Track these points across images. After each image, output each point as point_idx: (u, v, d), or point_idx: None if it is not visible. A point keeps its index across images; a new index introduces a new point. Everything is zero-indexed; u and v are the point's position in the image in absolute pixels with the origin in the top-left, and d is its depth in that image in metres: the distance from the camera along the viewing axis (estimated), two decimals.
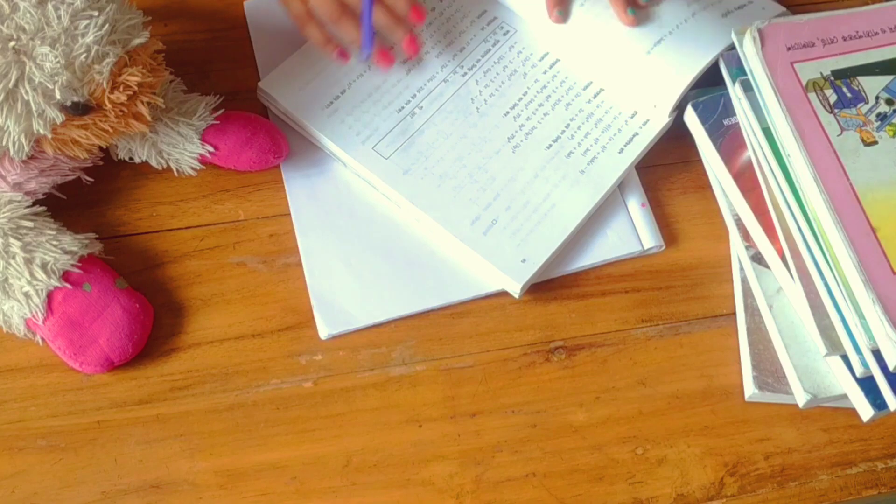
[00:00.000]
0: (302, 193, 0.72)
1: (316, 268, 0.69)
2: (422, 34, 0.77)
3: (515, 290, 0.68)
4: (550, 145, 0.74)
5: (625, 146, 0.74)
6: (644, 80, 0.74)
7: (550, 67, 0.77)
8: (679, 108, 0.74)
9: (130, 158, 0.71)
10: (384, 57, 0.75)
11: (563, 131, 0.74)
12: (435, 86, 0.76)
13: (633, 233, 0.72)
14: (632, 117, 0.75)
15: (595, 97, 0.76)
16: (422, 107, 0.75)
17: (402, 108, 0.74)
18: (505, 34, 0.79)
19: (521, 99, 0.76)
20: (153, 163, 0.70)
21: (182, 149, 0.70)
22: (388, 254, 0.70)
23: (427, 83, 0.76)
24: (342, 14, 0.74)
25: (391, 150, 0.72)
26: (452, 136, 0.74)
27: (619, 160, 0.73)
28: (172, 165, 0.71)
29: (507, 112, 0.75)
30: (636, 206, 0.73)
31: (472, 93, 0.76)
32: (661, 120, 0.74)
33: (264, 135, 0.71)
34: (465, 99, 0.76)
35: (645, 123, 0.74)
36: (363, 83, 0.75)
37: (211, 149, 0.70)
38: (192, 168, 0.71)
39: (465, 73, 0.77)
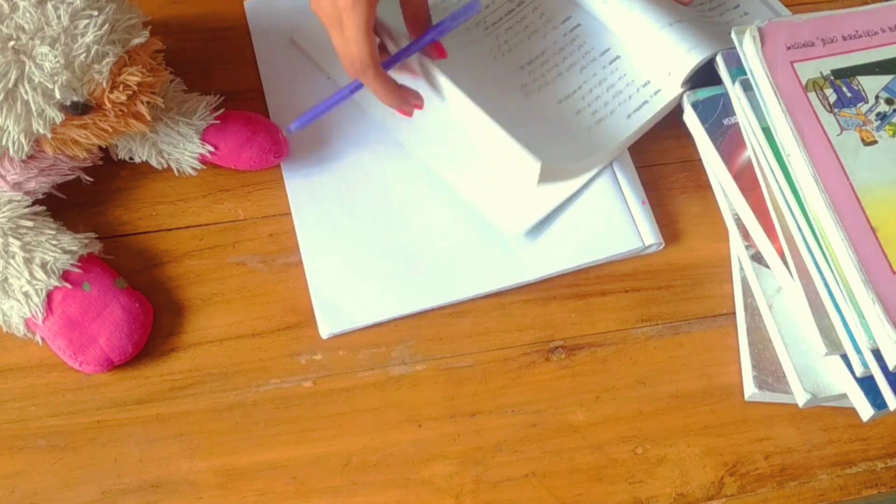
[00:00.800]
0: (302, 193, 0.72)
1: (316, 267, 0.69)
2: None
3: (527, 218, 0.70)
4: (561, 101, 0.76)
5: (633, 112, 0.75)
6: (662, 48, 0.75)
7: (570, 31, 0.79)
8: (690, 82, 0.74)
9: (131, 158, 0.71)
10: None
11: (575, 91, 0.76)
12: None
13: (633, 230, 0.72)
14: (644, 86, 0.76)
15: (611, 63, 0.77)
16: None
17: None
18: None
19: (538, 57, 0.78)
20: (153, 162, 0.70)
21: (182, 148, 0.70)
22: (388, 253, 0.70)
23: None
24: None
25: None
26: (466, 77, 0.72)
27: (626, 125, 0.74)
28: (173, 165, 0.71)
29: (524, 66, 0.77)
30: (636, 203, 0.73)
31: (491, 46, 0.78)
32: (672, 90, 0.75)
33: (264, 134, 0.71)
34: (485, 49, 0.78)
35: (656, 93, 0.75)
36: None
37: (211, 148, 0.70)
38: (193, 168, 0.71)
39: (487, 28, 0.79)
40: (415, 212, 0.72)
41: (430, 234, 0.71)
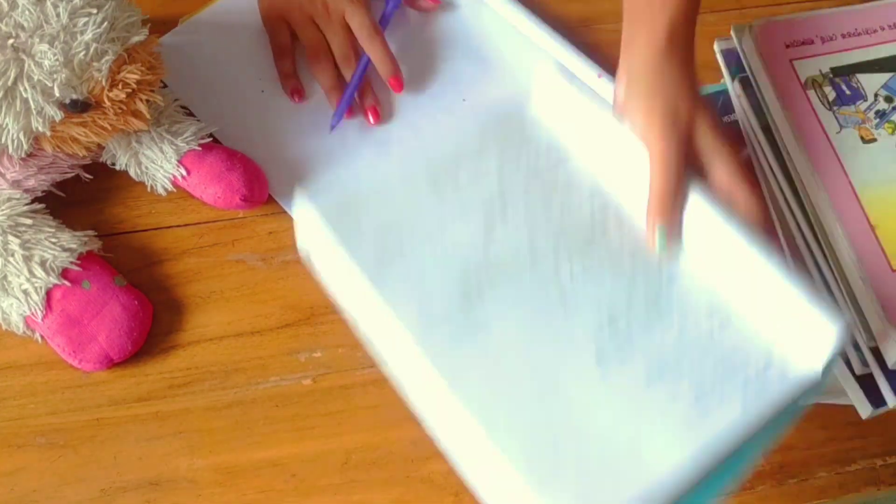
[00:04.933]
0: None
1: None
2: (516, 197, 0.59)
3: None
4: (652, 381, 0.53)
5: (750, 400, 0.52)
6: (794, 313, 0.53)
7: (670, 274, 0.57)
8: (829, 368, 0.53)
9: (113, 164, 0.70)
10: (374, 113, 0.76)
11: (669, 365, 0.53)
12: (518, 268, 0.56)
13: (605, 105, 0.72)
14: (766, 365, 0.53)
15: (721, 327, 0.55)
16: (493, 290, 0.55)
17: (470, 286, 0.55)
18: (618, 218, 0.58)
19: (621, 310, 0.55)
20: (131, 173, 0.69)
21: (159, 165, 0.68)
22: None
23: (510, 261, 0.56)
24: (325, 58, 0.76)
25: (444, 341, 0.53)
26: (526, 337, 0.54)
27: (740, 419, 0.51)
28: (147, 181, 0.70)
29: (602, 324, 0.55)
30: (594, 79, 0.75)
31: (564, 286, 0.56)
32: (807, 373, 0.52)
33: (239, 174, 0.68)
34: (553, 293, 0.56)
35: (783, 374, 0.53)
36: (430, 243, 0.56)
37: (184, 172, 0.68)
38: (165, 188, 0.69)
39: (560, 260, 0.57)
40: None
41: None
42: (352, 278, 0.54)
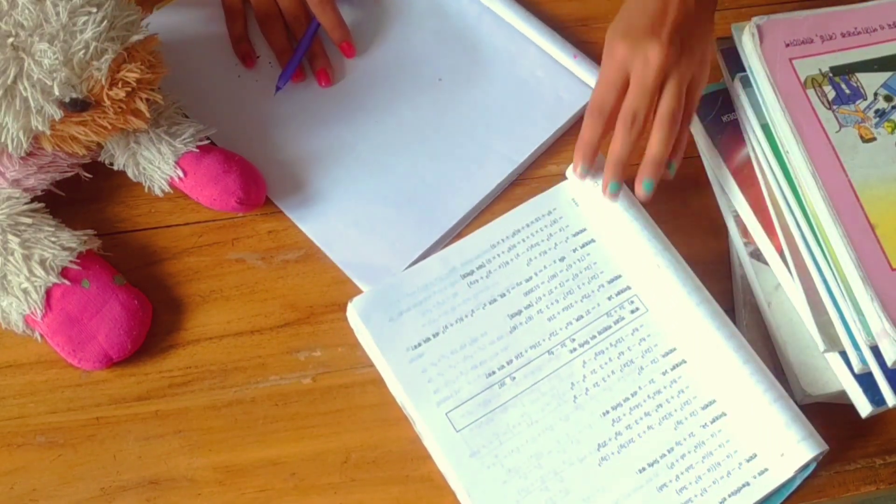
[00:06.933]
0: (311, 217, 0.72)
1: (333, 243, 0.70)
2: (539, 288, 0.67)
3: None
4: (644, 469, 0.61)
5: (728, 496, 0.60)
6: (778, 417, 0.61)
7: (672, 369, 0.64)
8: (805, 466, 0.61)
9: (111, 164, 0.69)
10: (324, 76, 0.76)
11: (663, 455, 0.61)
12: (537, 355, 0.64)
13: (579, 84, 0.77)
14: (748, 461, 0.61)
15: (713, 422, 0.63)
16: (514, 377, 0.63)
17: (493, 372, 0.64)
18: (633, 311, 0.66)
19: (627, 399, 0.63)
20: (129, 174, 0.69)
21: (156, 167, 0.68)
22: (386, 200, 0.72)
23: (529, 350, 0.65)
24: (275, 20, 0.76)
25: (465, 423, 0.62)
26: (538, 424, 0.62)
27: None
28: (145, 182, 0.69)
29: (608, 412, 0.63)
30: (569, 60, 0.77)
31: (574, 376, 0.64)
32: (782, 473, 0.61)
33: (236, 176, 0.68)
34: (566, 381, 0.64)
35: (762, 473, 0.61)
36: (460, 330, 0.65)
37: (181, 173, 0.68)
38: (162, 189, 0.69)
39: (575, 350, 0.65)
40: (390, 158, 0.74)
41: (412, 171, 0.73)
42: (385, 372, 0.65)
